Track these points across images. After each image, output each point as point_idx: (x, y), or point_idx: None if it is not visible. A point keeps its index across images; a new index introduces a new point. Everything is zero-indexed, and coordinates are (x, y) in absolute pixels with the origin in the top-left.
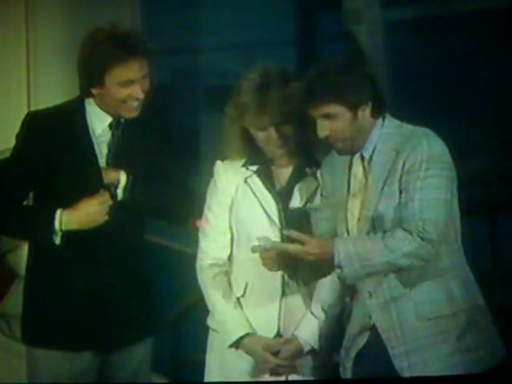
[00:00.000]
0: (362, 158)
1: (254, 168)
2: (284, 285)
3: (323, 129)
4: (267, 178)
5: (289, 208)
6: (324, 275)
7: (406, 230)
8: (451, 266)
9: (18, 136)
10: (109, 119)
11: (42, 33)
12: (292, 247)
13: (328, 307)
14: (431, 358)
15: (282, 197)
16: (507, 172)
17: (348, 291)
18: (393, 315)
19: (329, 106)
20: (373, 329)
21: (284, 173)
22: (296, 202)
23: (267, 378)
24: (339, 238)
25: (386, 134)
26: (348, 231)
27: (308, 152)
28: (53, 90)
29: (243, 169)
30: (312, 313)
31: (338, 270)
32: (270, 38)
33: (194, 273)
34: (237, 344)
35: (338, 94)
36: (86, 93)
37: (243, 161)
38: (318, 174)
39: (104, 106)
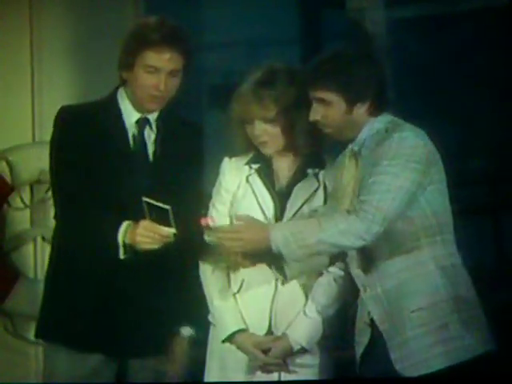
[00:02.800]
0: (353, 151)
1: (256, 166)
2: (277, 283)
3: (315, 113)
4: (268, 177)
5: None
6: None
7: (346, 210)
8: (433, 258)
9: (53, 133)
10: (136, 115)
11: (45, 32)
12: (224, 236)
13: (322, 308)
14: (417, 349)
15: (281, 197)
16: (511, 171)
17: (352, 289)
18: (385, 307)
19: (326, 92)
20: (373, 324)
21: (285, 173)
22: (294, 202)
23: (261, 375)
24: (274, 223)
25: (375, 128)
26: None
27: (312, 152)
28: (57, 89)
29: (246, 167)
30: (305, 313)
31: (277, 253)
32: (274, 37)
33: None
34: (230, 339)
35: (340, 85)
36: (120, 79)
37: (247, 159)
38: (321, 175)
39: (132, 96)
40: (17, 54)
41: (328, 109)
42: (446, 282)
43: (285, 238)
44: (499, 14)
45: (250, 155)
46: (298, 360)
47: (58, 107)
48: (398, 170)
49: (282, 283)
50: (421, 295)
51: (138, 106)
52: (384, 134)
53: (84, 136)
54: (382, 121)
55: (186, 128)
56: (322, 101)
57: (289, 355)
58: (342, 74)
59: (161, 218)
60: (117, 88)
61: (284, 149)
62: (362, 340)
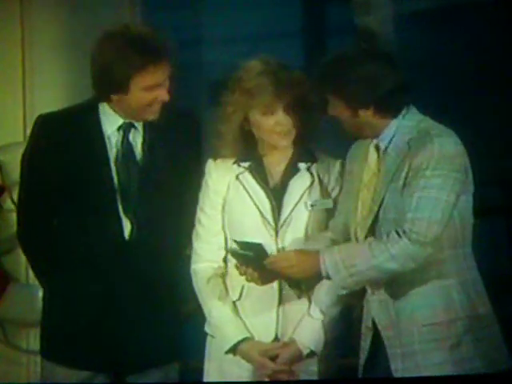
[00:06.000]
0: (378, 147)
1: (246, 164)
2: (281, 287)
3: (330, 108)
4: (260, 174)
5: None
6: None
7: (395, 231)
8: (455, 272)
9: (31, 142)
10: (119, 121)
11: (37, 30)
12: (275, 265)
13: (326, 308)
14: (424, 364)
15: (276, 193)
16: None
17: (357, 292)
18: (392, 314)
19: (330, 96)
20: (375, 328)
21: (277, 169)
22: (291, 198)
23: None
24: (325, 248)
25: (404, 126)
26: (356, 223)
27: (302, 147)
28: (49, 87)
29: (235, 166)
30: (310, 315)
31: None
32: (276, 31)
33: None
34: (234, 350)
35: (339, 90)
36: (104, 98)
37: (234, 158)
38: (313, 168)
39: (122, 110)
40: (8, 53)
41: (336, 109)
42: (464, 298)
43: (335, 265)
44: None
45: (236, 154)
46: (304, 367)
47: (50, 106)
48: (442, 182)
49: (299, 297)
50: (435, 309)
51: (128, 116)
52: (416, 135)
53: (61, 146)
54: (412, 119)
55: (181, 119)
56: (330, 100)
57: (298, 361)
58: (341, 79)
59: (256, 254)
60: (95, 100)
61: (295, 139)
62: (364, 345)
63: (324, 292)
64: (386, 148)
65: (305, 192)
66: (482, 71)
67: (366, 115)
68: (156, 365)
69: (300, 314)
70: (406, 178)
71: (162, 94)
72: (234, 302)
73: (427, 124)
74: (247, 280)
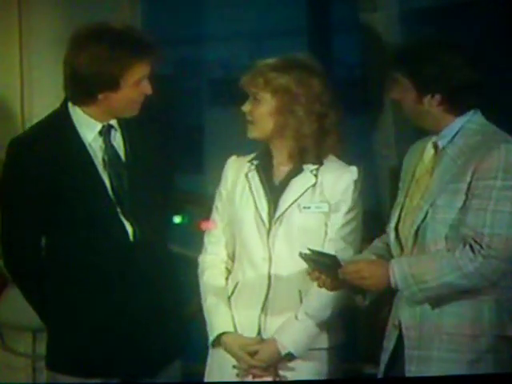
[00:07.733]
0: (436, 145)
1: (257, 163)
2: (269, 287)
3: (392, 91)
4: (266, 173)
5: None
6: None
7: (469, 245)
8: (492, 289)
9: (7, 170)
10: (98, 126)
11: (35, 29)
12: (347, 276)
13: (313, 311)
14: (436, 372)
15: (276, 191)
16: None
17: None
18: (417, 315)
19: (399, 74)
20: (401, 328)
21: (282, 168)
22: (288, 197)
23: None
24: (394, 260)
25: (468, 128)
26: (400, 217)
27: (310, 151)
28: (47, 87)
29: (248, 164)
30: (296, 317)
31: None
32: (279, 28)
33: (195, 280)
34: (218, 341)
35: (412, 70)
36: (88, 99)
37: (252, 156)
38: (320, 171)
39: (106, 110)
40: (6, 53)
41: (401, 92)
42: (494, 317)
43: (405, 280)
44: None
45: (256, 153)
46: (305, 369)
47: (49, 105)
48: None
49: (277, 295)
50: (462, 321)
51: (111, 115)
52: (481, 139)
53: (43, 165)
54: (475, 121)
55: (144, 119)
56: (397, 82)
57: (276, 360)
58: (418, 60)
59: (330, 263)
60: (64, 110)
61: (274, 135)
62: (388, 346)
63: (314, 294)
64: (444, 147)
65: (304, 193)
66: (487, 70)
67: (430, 104)
68: (160, 367)
69: (286, 315)
70: (470, 182)
71: (147, 88)
72: (229, 297)
73: (491, 129)
74: (319, 286)
